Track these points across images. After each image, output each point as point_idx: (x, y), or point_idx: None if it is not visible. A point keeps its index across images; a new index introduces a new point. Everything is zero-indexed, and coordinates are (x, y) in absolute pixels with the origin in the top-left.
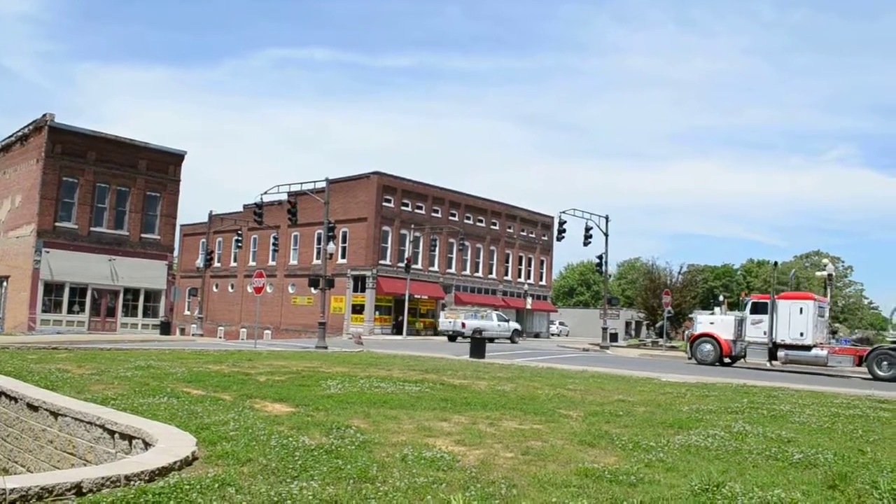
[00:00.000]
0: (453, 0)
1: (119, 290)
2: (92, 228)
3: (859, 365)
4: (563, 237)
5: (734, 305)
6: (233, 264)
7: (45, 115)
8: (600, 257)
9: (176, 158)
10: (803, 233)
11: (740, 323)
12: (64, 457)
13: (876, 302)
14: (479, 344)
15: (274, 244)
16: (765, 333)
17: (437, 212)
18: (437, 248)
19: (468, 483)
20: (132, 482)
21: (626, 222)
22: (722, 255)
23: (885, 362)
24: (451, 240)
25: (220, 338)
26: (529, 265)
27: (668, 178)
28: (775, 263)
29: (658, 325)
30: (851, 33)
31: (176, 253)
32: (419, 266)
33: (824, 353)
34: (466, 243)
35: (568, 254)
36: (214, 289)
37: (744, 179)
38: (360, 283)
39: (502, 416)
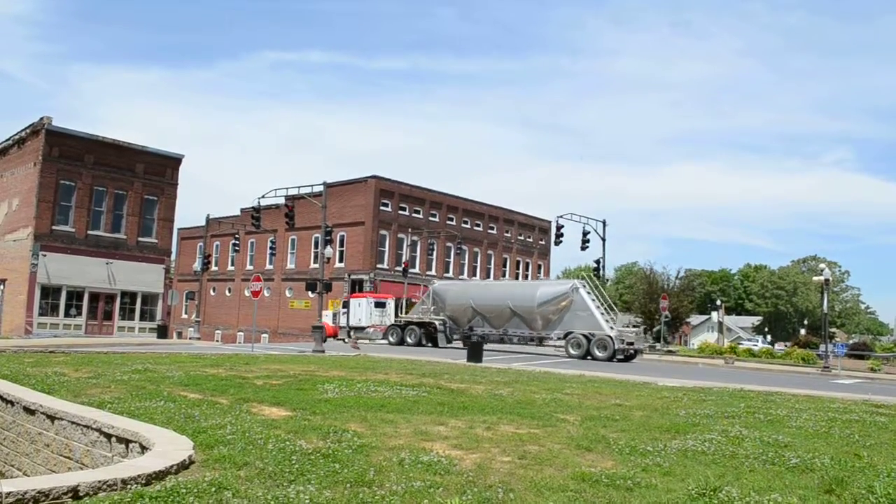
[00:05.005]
0: (448, 2)
1: (116, 293)
2: (89, 232)
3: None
4: (561, 241)
5: (731, 310)
6: (230, 268)
7: (42, 119)
8: (598, 262)
9: (173, 162)
10: (801, 237)
11: (335, 315)
12: (60, 460)
13: (872, 307)
14: (476, 348)
15: (271, 248)
16: (347, 320)
17: (434, 216)
18: (434, 252)
19: (465, 487)
20: (129, 486)
21: (623, 227)
22: (720, 259)
23: (393, 333)
24: (449, 244)
25: (218, 341)
26: (527, 269)
27: (664, 181)
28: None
29: (655, 329)
30: (848, 36)
31: (173, 256)
32: (416, 270)
33: (372, 330)
34: (464, 247)
35: (565, 258)
36: (212, 292)
37: (741, 183)
38: (357, 287)
39: (499, 420)
